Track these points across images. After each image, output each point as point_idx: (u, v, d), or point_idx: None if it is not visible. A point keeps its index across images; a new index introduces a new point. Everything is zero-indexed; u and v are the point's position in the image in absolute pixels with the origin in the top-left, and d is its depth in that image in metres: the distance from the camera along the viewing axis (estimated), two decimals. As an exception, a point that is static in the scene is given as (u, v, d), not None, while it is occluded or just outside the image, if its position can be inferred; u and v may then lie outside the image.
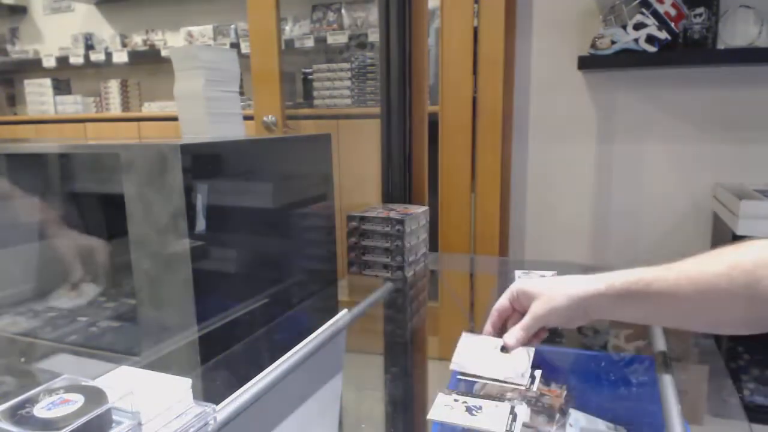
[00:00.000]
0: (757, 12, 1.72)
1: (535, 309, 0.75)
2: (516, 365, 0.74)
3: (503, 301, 0.81)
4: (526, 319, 0.76)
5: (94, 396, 0.50)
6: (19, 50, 3.76)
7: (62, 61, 3.42)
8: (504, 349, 0.77)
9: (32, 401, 0.49)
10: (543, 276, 1.27)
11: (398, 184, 1.66)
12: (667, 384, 0.77)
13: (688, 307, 0.67)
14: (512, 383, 0.73)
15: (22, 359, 1.04)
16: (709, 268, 0.66)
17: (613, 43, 1.76)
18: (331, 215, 1.39)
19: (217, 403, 0.63)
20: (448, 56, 1.92)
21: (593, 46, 1.80)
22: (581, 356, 0.92)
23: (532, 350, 0.75)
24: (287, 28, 2.90)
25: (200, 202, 0.93)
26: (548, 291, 0.76)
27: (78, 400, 0.49)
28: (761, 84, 1.77)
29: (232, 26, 3.10)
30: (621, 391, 0.84)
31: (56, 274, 1.20)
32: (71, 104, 3.44)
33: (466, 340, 0.81)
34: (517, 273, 1.31)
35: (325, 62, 2.65)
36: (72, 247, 1.18)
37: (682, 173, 1.90)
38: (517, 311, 0.80)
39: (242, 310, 1.06)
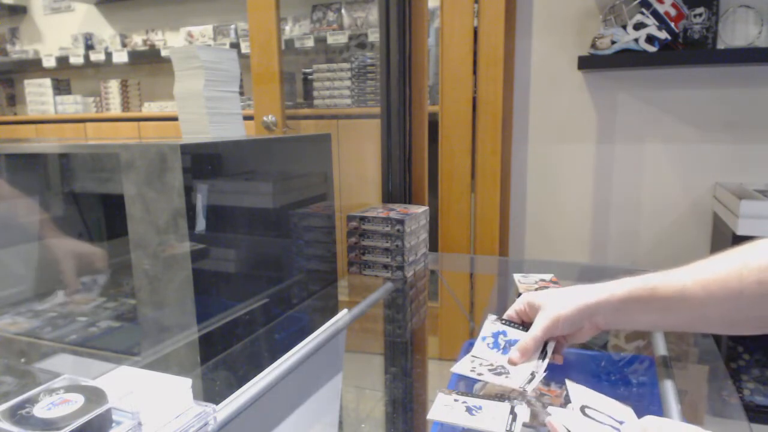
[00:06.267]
0: (757, 12, 1.72)
1: (540, 319, 0.75)
2: (519, 378, 0.74)
3: (511, 314, 0.82)
4: (533, 330, 0.75)
5: (94, 396, 0.50)
6: (19, 50, 3.76)
7: (62, 61, 3.42)
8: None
9: (32, 401, 0.49)
10: (543, 279, 1.28)
11: (398, 184, 1.66)
12: (667, 384, 0.77)
13: (697, 309, 0.67)
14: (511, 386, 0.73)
15: (22, 359, 1.04)
16: (719, 268, 0.65)
17: (613, 43, 1.76)
18: (331, 215, 1.39)
19: (217, 403, 0.63)
20: (448, 56, 1.92)
21: (593, 46, 1.80)
22: (581, 356, 0.91)
23: (543, 365, 0.75)
24: (287, 28, 2.90)
25: (200, 202, 0.93)
26: (553, 301, 0.76)
27: (78, 400, 0.49)
28: (761, 84, 1.77)
29: (232, 26, 3.10)
30: (621, 391, 0.84)
31: (53, 277, 1.20)
32: (71, 104, 3.44)
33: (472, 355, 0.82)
34: (516, 276, 1.31)
35: (325, 62, 2.65)
36: (68, 254, 1.17)
37: (682, 173, 1.90)
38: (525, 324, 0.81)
39: (242, 310, 1.06)
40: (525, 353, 0.74)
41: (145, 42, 3.35)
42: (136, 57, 3.26)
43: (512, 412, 0.66)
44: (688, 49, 1.77)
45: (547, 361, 0.75)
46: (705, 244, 1.89)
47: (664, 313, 0.69)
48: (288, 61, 2.83)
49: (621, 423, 0.60)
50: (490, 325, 0.83)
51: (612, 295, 0.72)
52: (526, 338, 0.75)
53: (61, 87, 3.53)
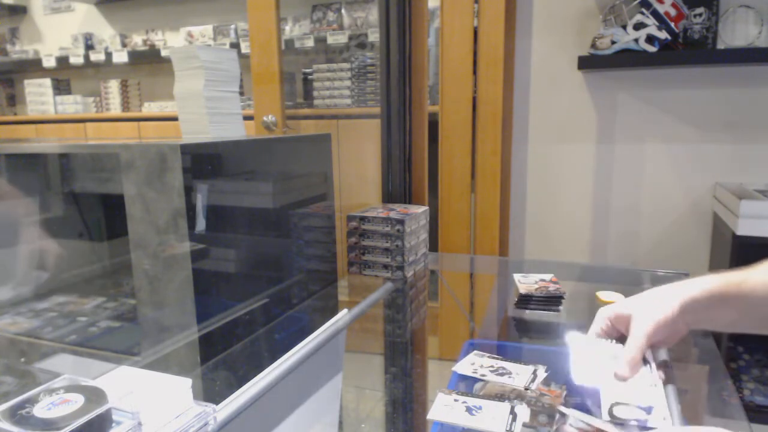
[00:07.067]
0: (757, 12, 1.72)
1: (639, 325, 0.70)
2: (521, 377, 0.74)
3: (596, 330, 0.76)
4: (635, 339, 0.69)
5: (94, 396, 0.50)
6: (19, 50, 3.76)
7: (62, 61, 3.42)
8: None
9: (32, 401, 0.49)
10: (543, 279, 1.28)
11: (398, 184, 1.65)
12: (667, 384, 0.76)
13: None
14: (513, 384, 0.73)
15: (22, 359, 1.04)
16: None
17: (613, 43, 1.76)
18: (331, 215, 1.39)
19: (217, 403, 0.63)
20: (448, 56, 1.92)
21: (593, 46, 1.80)
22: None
23: (654, 374, 0.71)
24: (287, 28, 2.90)
25: (200, 202, 0.93)
26: (644, 306, 0.71)
27: (78, 400, 0.49)
28: (761, 84, 1.77)
29: (232, 26, 3.10)
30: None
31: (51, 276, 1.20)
32: (71, 104, 3.44)
33: (473, 356, 0.82)
34: (516, 276, 1.31)
35: (325, 62, 2.65)
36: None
37: (682, 173, 1.90)
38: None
39: (242, 310, 1.06)
40: (635, 366, 0.69)
41: (145, 42, 3.35)
42: (136, 57, 3.26)
43: (512, 412, 0.66)
44: (688, 49, 1.77)
45: (654, 366, 0.70)
46: (705, 244, 1.89)
47: (747, 311, 0.67)
48: (288, 61, 2.83)
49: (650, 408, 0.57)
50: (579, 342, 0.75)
51: (703, 292, 0.69)
52: (630, 349, 0.69)
53: (61, 87, 3.53)
